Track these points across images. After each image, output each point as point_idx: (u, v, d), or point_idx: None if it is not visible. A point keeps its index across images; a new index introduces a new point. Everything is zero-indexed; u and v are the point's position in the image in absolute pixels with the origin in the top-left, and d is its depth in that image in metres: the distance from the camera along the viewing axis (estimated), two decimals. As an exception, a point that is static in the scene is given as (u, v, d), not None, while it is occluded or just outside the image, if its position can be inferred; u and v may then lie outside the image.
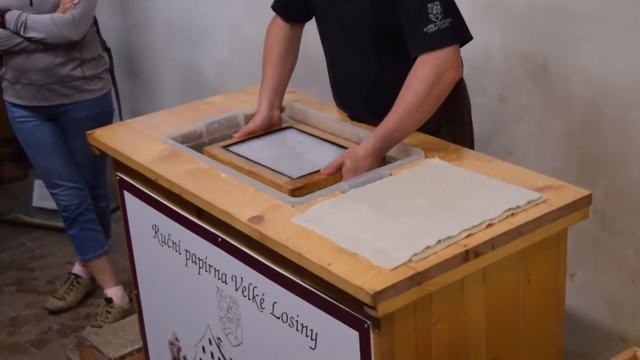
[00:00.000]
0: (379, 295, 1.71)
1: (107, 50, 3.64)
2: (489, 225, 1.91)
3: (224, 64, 4.32)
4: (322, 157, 2.35)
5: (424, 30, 2.20)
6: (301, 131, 2.56)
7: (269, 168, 2.30)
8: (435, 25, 2.20)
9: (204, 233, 2.26)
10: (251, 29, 4.00)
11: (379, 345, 1.81)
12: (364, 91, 2.47)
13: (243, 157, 2.37)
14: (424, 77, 2.19)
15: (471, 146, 2.52)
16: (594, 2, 2.62)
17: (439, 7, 2.20)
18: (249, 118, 2.61)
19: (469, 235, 1.88)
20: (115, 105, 3.73)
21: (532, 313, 2.06)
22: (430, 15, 2.20)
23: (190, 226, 2.31)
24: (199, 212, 2.26)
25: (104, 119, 3.44)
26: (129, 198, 2.59)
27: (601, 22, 2.62)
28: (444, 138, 2.38)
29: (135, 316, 3.00)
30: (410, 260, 1.79)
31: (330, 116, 2.58)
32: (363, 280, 1.74)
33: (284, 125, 2.61)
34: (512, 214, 1.95)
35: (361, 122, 2.50)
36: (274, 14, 2.64)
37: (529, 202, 1.98)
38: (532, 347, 2.09)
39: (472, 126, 2.57)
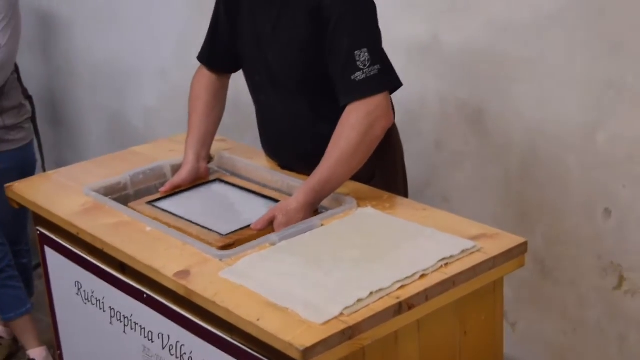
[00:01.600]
0: (309, 352, 1.64)
1: (29, 98, 3.52)
2: (422, 275, 1.86)
3: (152, 111, 4.24)
4: (252, 211, 2.28)
5: (352, 78, 2.16)
6: (229, 183, 2.49)
7: (196, 224, 2.22)
8: (363, 73, 2.16)
9: (129, 289, 2.17)
10: (180, 74, 3.92)
11: (313, 405, 1.73)
12: (293, 139, 2.42)
13: (169, 213, 2.29)
14: (355, 125, 2.15)
15: (405, 193, 2.48)
16: (527, 44, 2.62)
17: (366, 54, 2.16)
18: (175, 168, 2.53)
19: (402, 286, 1.82)
20: (37, 156, 3.61)
21: (469, 366, 2.01)
22: (358, 63, 2.16)
23: (114, 282, 2.22)
24: (122, 267, 2.17)
25: (26, 170, 3.30)
26: (50, 254, 2.49)
27: (535, 64, 2.61)
28: (377, 186, 2.33)
29: (61, 376, 2.88)
30: (341, 314, 1.73)
31: (260, 165, 2.53)
32: (292, 336, 1.67)
33: (212, 177, 2.54)
34: (446, 264, 1.90)
35: (292, 171, 2.44)
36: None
37: (463, 252, 1.94)
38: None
39: (406, 172, 2.53)
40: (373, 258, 1.93)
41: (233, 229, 2.18)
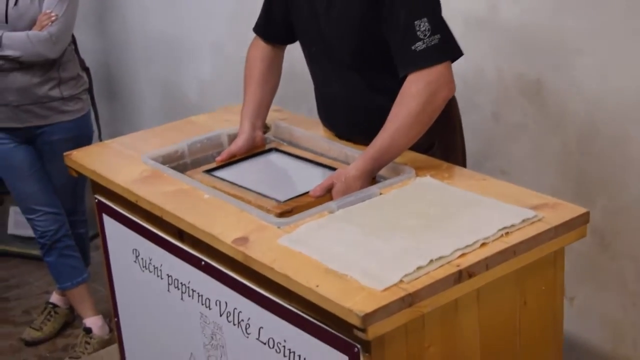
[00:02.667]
0: (369, 317, 1.63)
1: (86, 70, 3.55)
2: (483, 244, 1.84)
3: (207, 83, 4.25)
4: (309, 179, 2.28)
5: (412, 48, 2.14)
6: (286, 153, 2.49)
7: (254, 192, 2.21)
8: (424, 43, 2.13)
9: (187, 256, 2.18)
10: (234, 47, 3.93)
11: (370, 370, 1.73)
12: (349, 110, 2.41)
13: (227, 181, 2.29)
14: (416, 94, 2.12)
15: (464, 165, 2.46)
16: (588, 16, 2.57)
17: (426, 23, 2.14)
18: (232, 137, 2.54)
19: (462, 255, 1.80)
20: (94, 128, 3.64)
21: (528, 337, 1.99)
22: (419, 33, 2.13)
23: (172, 250, 2.23)
24: (180, 234, 2.18)
25: (83, 141, 3.32)
26: (108, 222, 2.51)
27: (596, 36, 2.56)
28: (435, 156, 2.31)
29: (115, 346, 2.91)
30: (401, 281, 1.72)
31: (317, 135, 2.52)
32: (352, 302, 1.66)
33: (268, 146, 2.53)
34: (507, 233, 1.88)
35: (348, 141, 2.43)
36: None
37: (524, 221, 1.91)
38: (529, 372, 2.02)
39: (464, 144, 2.50)
40: (433, 227, 1.91)
41: (291, 196, 2.17)
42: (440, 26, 2.18)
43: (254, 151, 2.49)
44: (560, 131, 2.73)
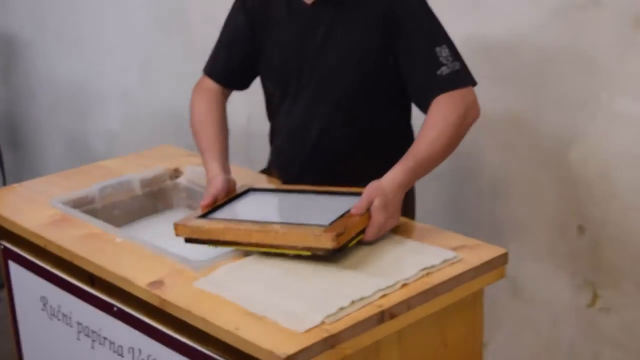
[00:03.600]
0: (291, 359, 1.59)
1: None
2: (404, 285, 1.82)
3: (115, 133, 4.17)
4: (325, 205, 2.06)
5: (438, 73, 2.11)
6: (266, 190, 2.26)
7: (286, 223, 1.94)
8: (448, 68, 2.12)
9: (98, 302, 2.09)
10: (144, 96, 3.88)
11: (293, 415, 1.68)
12: (325, 153, 2.31)
13: (245, 221, 1.98)
14: (453, 109, 2.08)
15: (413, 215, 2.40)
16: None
17: (447, 50, 2.14)
18: (145, 183, 2.48)
19: (384, 295, 1.78)
20: (-1, 175, 3.54)
21: (449, 380, 1.97)
22: (441, 59, 2.12)
23: (82, 296, 2.14)
24: (92, 280, 2.10)
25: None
26: (14, 268, 2.41)
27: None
28: None
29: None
30: (322, 322, 1.68)
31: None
32: (273, 344, 1.62)
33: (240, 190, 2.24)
34: (428, 274, 1.86)
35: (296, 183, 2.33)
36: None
37: (444, 261, 1.90)
38: (450, 415, 1.99)
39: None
40: (355, 267, 1.89)
41: (332, 220, 1.91)
42: (457, 53, 2.17)
43: (230, 195, 2.19)
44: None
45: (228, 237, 1.95)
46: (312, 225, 1.89)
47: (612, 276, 2.54)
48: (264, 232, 1.91)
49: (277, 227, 1.92)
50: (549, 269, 2.66)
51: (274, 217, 2.09)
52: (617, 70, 2.41)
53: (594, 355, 2.63)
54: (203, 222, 2.01)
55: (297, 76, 2.29)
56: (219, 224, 1.99)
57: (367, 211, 1.95)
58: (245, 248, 1.96)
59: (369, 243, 1.98)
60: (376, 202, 1.95)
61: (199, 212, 2.08)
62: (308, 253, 1.88)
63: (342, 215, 1.93)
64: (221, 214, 2.08)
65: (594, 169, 2.50)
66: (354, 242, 1.93)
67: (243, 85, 2.50)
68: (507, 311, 2.77)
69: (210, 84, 2.46)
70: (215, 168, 2.23)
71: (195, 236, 2.00)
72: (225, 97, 2.47)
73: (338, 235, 1.84)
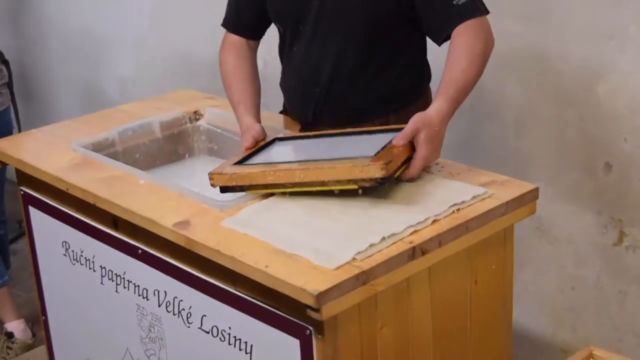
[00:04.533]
0: (323, 296, 1.56)
1: (5, 62, 3.40)
2: (434, 221, 1.79)
3: (128, 80, 4.12)
4: (360, 143, 2.00)
5: (454, 2, 2.08)
6: (294, 137, 2.20)
7: (331, 159, 1.86)
8: None
9: (122, 245, 2.08)
10: (158, 42, 3.83)
11: (323, 353, 1.65)
12: (342, 89, 2.27)
13: (283, 162, 1.95)
14: (475, 36, 2.05)
15: None
16: None
17: None
18: (164, 125, 2.45)
19: (414, 232, 1.75)
20: (14, 124, 3.49)
21: (479, 317, 1.94)
22: None
23: (105, 239, 2.13)
24: (115, 223, 2.08)
25: (3, 137, 3.18)
26: (35, 214, 2.39)
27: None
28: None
29: (41, 348, 2.78)
30: (354, 259, 1.65)
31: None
32: (305, 281, 1.59)
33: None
34: (458, 210, 1.83)
35: (314, 126, 2.30)
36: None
37: (474, 197, 1.87)
38: (480, 351, 1.97)
39: None
40: (382, 205, 1.85)
41: (376, 151, 1.84)
42: None
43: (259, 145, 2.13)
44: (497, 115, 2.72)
45: (269, 179, 1.89)
46: (356, 157, 1.82)
47: (639, 214, 2.50)
48: (307, 170, 1.85)
49: (320, 163, 1.85)
50: (575, 207, 2.62)
51: (312, 157, 1.97)
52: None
53: (619, 293, 2.60)
54: (240, 169, 1.94)
55: (307, 15, 2.25)
56: (257, 168, 1.93)
57: (410, 143, 1.89)
58: (287, 189, 1.89)
59: (411, 180, 1.93)
60: (422, 135, 1.90)
61: (231, 161, 2.02)
62: (354, 187, 1.82)
63: (385, 147, 1.86)
64: (256, 160, 2.02)
65: (622, 103, 2.45)
66: (398, 172, 1.87)
67: (260, 32, 2.45)
68: (532, 250, 2.74)
69: (235, 39, 2.41)
70: (249, 120, 2.20)
71: (232, 183, 1.93)
72: (253, 50, 2.43)
73: (387, 164, 1.77)
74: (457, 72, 2.02)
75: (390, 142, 1.88)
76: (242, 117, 2.22)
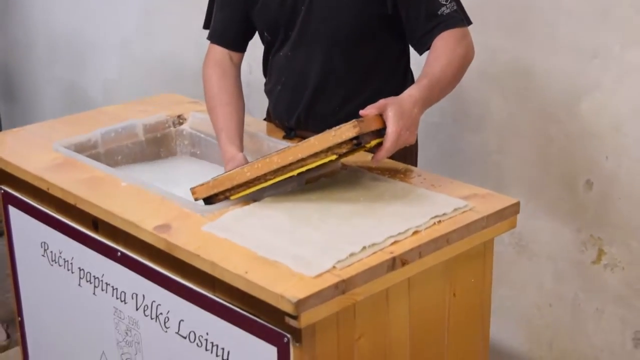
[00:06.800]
0: (302, 304, 1.56)
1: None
2: (415, 232, 1.79)
3: (112, 82, 4.11)
4: None
5: (439, 12, 2.13)
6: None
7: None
8: (447, 8, 2.13)
9: (101, 247, 2.06)
10: (142, 44, 3.82)
11: (300, 362, 1.65)
12: (327, 95, 2.29)
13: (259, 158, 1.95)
14: (457, 43, 2.11)
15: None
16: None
17: None
18: (148, 128, 2.44)
19: (395, 242, 1.75)
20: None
21: (457, 330, 1.94)
22: (441, 0, 2.14)
23: (85, 241, 2.11)
24: (95, 224, 2.07)
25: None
26: (14, 213, 2.37)
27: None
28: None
29: (15, 350, 2.76)
30: (333, 267, 1.65)
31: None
32: (284, 288, 1.59)
33: None
34: (439, 222, 1.83)
35: (300, 130, 2.34)
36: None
37: (455, 210, 1.88)
38: (458, 366, 1.98)
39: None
40: (363, 214, 1.86)
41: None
42: None
43: None
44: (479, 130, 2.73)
45: (248, 175, 1.90)
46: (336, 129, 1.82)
47: (619, 233, 2.52)
48: (283, 152, 1.86)
49: (294, 144, 1.87)
50: (554, 224, 2.63)
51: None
52: (631, 20, 2.37)
53: (597, 311, 2.61)
54: (219, 175, 1.96)
55: (294, 21, 2.25)
56: (234, 170, 1.94)
57: (381, 118, 1.89)
58: (269, 182, 1.90)
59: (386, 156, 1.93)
60: (390, 112, 1.89)
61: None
62: (333, 157, 1.82)
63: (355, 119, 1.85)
64: None
65: (605, 121, 2.47)
66: (373, 143, 1.87)
67: (245, 45, 2.43)
68: (511, 266, 2.75)
69: (219, 55, 2.38)
70: (232, 150, 2.19)
71: (215, 190, 1.94)
72: (236, 66, 2.40)
73: (359, 122, 1.79)
74: (434, 67, 2.06)
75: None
76: (225, 146, 2.21)
